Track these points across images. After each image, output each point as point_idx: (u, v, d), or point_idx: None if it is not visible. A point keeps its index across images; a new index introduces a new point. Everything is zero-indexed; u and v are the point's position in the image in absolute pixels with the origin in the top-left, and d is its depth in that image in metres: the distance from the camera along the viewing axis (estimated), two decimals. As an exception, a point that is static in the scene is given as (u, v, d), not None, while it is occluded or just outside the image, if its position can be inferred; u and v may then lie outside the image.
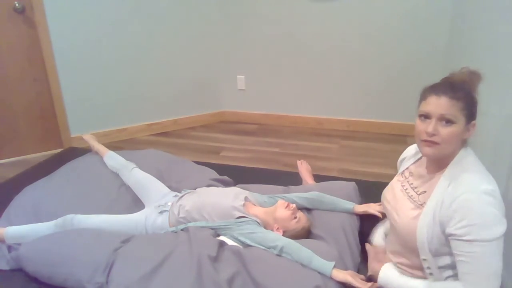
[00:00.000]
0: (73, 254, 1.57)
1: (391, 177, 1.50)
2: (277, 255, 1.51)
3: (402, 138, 3.38)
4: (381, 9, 3.18)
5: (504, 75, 1.68)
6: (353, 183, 2.01)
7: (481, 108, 1.22)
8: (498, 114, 1.66)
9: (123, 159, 2.20)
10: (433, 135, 1.16)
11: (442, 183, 1.21)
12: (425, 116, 1.19)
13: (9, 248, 1.73)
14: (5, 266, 1.69)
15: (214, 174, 2.26)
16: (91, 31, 3.08)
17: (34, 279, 1.63)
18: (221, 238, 1.64)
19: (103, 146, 2.36)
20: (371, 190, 1.90)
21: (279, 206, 1.70)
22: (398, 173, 1.47)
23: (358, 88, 3.47)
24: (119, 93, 3.34)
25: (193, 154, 3.14)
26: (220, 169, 2.40)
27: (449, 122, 1.15)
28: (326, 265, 1.43)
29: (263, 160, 3.02)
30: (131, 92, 3.39)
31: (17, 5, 2.77)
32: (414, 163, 1.40)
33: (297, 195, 1.87)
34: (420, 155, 1.38)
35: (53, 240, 1.66)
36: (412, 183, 1.34)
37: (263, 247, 1.55)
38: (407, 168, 1.41)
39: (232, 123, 3.86)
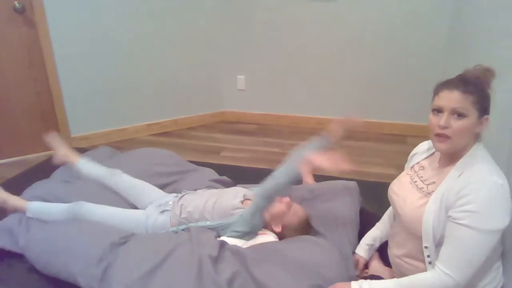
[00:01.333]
0: (69, 245, 1.58)
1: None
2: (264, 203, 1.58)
3: (402, 138, 3.38)
4: (381, 9, 3.18)
5: (503, 71, 1.69)
6: (354, 182, 2.00)
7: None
8: (497, 109, 1.68)
9: (103, 167, 2.07)
10: (445, 127, 1.19)
11: (453, 174, 1.23)
12: (438, 110, 1.22)
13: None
14: (16, 248, 1.73)
15: (214, 174, 2.26)
16: (91, 31, 3.08)
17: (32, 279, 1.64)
18: (223, 238, 1.64)
19: (75, 154, 2.11)
20: (371, 190, 1.90)
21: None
22: (408, 167, 1.49)
23: (358, 88, 3.47)
24: (119, 93, 3.34)
25: (193, 154, 3.14)
26: (220, 169, 2.39)
27: (461, 115, 1.18)
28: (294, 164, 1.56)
29: (263, 160, 3.02)
30: (131, 92, 3.39)
31: (17, 5, 2.77)
32: (426, 158, 1.42)
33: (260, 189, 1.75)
34: (433, 150, 1.40)
35: (54, 229, 1.68)
36: (422, 176, 1.36)
37: (252, 216, 1.59)
38: (417, 163, 1.43)
39: (232, 123, 3.86)
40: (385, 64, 3.32)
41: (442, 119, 1.18)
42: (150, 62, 3.39)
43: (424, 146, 1.47)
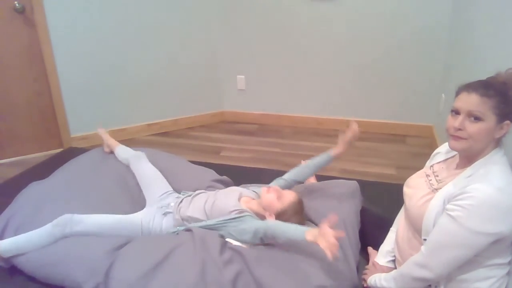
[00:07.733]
0: (70, 254, 1.57)
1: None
2: (264, 241, 1.53)
3: (402, 138, 3.38)
4: (382, 9, 3.18)
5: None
6: (355, 182, 2.01)
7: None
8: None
9: (132, 150, 2.24)
10: (459, 129, 1.19)
11: (464, 173, 1.24)
12: (455, 112, 1.22)
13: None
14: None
15: (214, 174, 2.26)
16: (91, 31, 3.08)
17: (33, 279, 1.63)
18: (226, 239, 1.64)
19: (114, 140, 2.38)
20: (372, 190, 1.90)
21: (262, 193, 1.71)
22: (427, 165, 1.50)
23: (358, 88, 3.47)
24: (119, 93, 3.34)
25: (193, 154, 3.14)
26: (220, 169, 2.39)
27: (477, 118, 1.17)
28: (301, 231, 1.40)
29: (263, 160, 3.02)
30: (131, 92, 3.39)
31: (17, 5, 2.77)
32: (446, 159, 1.42)
33: (285, 176, 1.91)
34: (454, 152, 1.40)
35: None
36: (437, 176, 1.37)
37: (251, 239, 1.55)
38: (438, 162, 1.44)
39: (232, 123, 3.86)
40: (386, 64, 3.32)
41: (457, 121, 1.19)
42: (150, 62, 3.39)
43: (446, 147, 1.47)
